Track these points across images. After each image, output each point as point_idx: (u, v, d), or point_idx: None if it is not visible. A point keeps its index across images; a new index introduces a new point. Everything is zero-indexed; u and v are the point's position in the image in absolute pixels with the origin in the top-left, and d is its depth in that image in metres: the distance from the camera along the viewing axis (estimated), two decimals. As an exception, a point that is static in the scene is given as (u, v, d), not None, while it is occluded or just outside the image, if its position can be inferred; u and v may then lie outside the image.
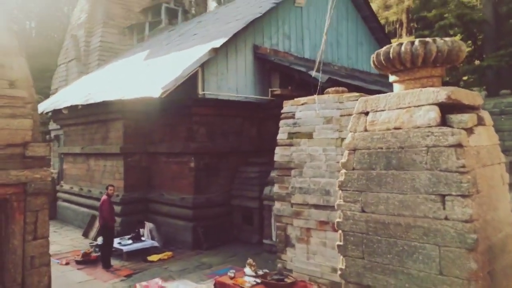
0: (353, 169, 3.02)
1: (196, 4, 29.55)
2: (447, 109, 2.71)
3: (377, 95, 3.03)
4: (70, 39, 19.02)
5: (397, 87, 3.07)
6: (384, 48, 2.96)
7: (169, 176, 10.29)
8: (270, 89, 10.45)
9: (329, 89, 6.80)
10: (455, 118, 2.64)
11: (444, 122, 2.69)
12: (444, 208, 2.57)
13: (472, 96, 2.88)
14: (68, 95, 13.14)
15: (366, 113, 3.05)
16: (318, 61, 6.70)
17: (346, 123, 5.91)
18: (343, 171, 3.07)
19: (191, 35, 12.60)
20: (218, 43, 9.03)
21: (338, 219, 3.09)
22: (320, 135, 6.25)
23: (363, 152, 2.96)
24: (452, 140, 2.57)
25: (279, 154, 6.74)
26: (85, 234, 10.78)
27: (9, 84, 4.94)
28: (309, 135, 6.39)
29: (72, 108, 11.42)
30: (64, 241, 10.39)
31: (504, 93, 12.50)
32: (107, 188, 8.57)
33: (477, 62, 19.41)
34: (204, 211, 9.60)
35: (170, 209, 10.00)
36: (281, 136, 6.77)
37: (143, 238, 9.16)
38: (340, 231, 3.07)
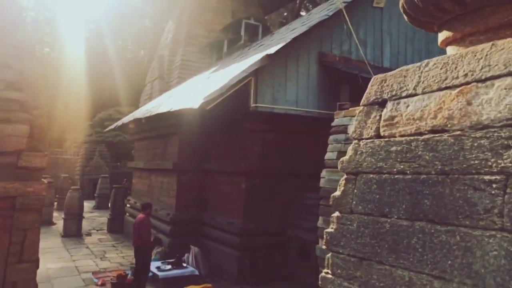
0: (351, 211, 1.59)
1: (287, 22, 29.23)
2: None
3: (404, 67, 1.57)
4: (156, 59, 19.88)
5: (451, 51, 1.57)
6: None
7: (220, 198, 9.37)
8: (338, 103, 8.95)
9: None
10: None
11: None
12: None
13: None
14: (139, 111, 13.31)
15: (382, 104, 1.61)
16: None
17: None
18: (335, 214, 1.65)
19: (258, 47, 11.79)
20: (273, 49, 7.96)
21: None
22: (378, 155, 4.65)
23: (371, 179, 1.52)
24: None
25: (326, 179, 5.26)
26: (137, 253, 10.35)
27: (5, 85, 4.48)
28: (365, 156, 4.82)
29: (137, 123, 11.38)
30: (116, 258, 10.08)
31: None
32: (146, 207, 7.81)
33: None
34: (253, 240, 8.37)
35: (218, 234, 9.01)
36: (329, 155, 5.30)
37: (184, 264, 8.26)
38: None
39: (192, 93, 9.23)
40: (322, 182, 5.30)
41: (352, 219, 1.56)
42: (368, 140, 1.60)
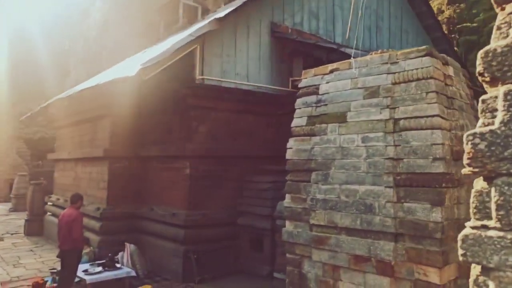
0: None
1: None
2: None
3: None
4: (82, 42, 17.86)
5: None
6: None
7: (162, 187, 8.18)
8: (291, 79, 8.25)
9: (374, 52, 4.50)
10: None
11: None
12: None
13: None
14: (62, 94, 11.53)
15: None
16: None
17: (401, 95, 3.56)
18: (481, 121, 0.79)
19: (201, 21, 10.72)
20: (223, 13, 7.00)
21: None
22: (358, 116, 3.92)
23: None
24: None
25: (294, 149, 4.44)
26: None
27: None
28: (341, 118, 4.06)
29: (59, 105, 9.71)
30: (34, 263, 8.44)
31: None
32: (76, 199, 6.40)
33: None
34: (199, 232, 7.35)
35: (159, 227, 7.83)
36: (298, 122, 4.49)
37: (118, 265, 6.98)
38: None
39: (126, 67, 7.94)
40: (289, 154, 4.47)
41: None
42: None
